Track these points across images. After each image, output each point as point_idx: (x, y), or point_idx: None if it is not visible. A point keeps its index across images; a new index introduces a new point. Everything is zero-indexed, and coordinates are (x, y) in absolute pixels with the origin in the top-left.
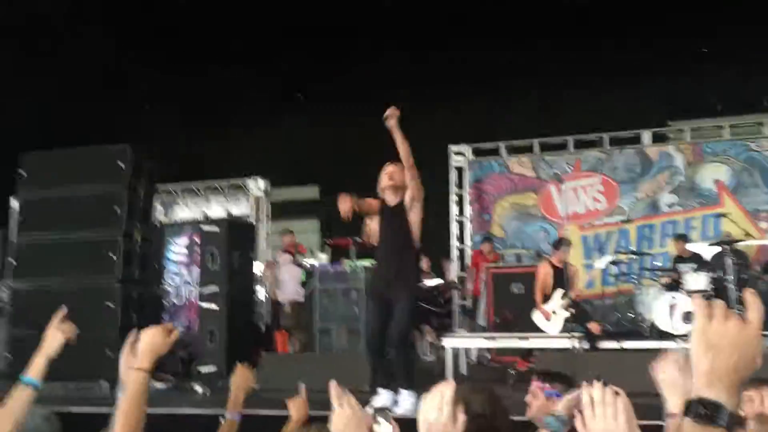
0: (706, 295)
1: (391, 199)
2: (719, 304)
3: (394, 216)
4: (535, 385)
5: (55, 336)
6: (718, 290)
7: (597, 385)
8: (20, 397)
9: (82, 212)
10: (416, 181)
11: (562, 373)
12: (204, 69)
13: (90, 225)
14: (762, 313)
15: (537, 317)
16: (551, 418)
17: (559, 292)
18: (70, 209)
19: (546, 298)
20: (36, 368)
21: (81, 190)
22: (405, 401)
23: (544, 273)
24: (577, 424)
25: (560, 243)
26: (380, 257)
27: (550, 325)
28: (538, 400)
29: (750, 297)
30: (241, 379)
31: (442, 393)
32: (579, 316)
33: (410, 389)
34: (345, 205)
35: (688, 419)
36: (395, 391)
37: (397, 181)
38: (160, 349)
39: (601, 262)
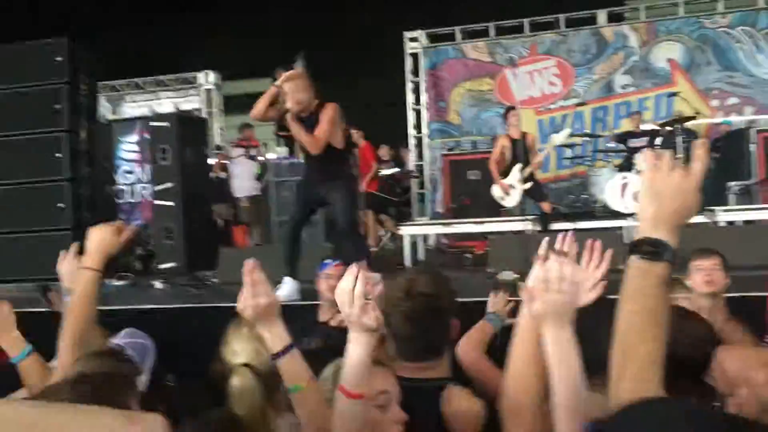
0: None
1: (302, 113)
2: (666, 155)
3: (309, 128)
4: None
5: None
6: None
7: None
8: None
9: (22, 111)
10: (326, 132)
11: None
12: None
13: (31, 124)
14: (704, 165)
15: (495, 191)
16: (493, 315)
17: (518, 166)
18: (7, 108)
19: (505, 172)
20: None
21: (18, 87)
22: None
23: (501, 145)
24: (525, 298)
25: (508, 110)
26: (306, 162)
27: (509, 199)
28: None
29: (699, 149)
30: (96, 236)
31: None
32: (535, 193)
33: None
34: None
35: (634, 257)
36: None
37: (299, 103)
38: (110, 248)
39: (559, 137)
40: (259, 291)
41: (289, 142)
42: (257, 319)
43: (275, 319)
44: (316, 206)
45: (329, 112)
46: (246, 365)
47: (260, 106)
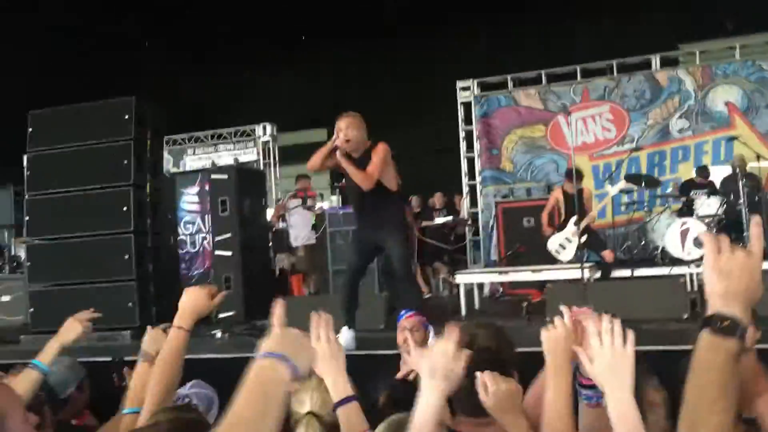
0: (715, 226)
1: (354, 153)
2: (724, 238)
3: (361, 168)
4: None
5: (74, 327)
6: (729, 214)
7: (605, 317)
8: (28, 379)
9: (92, 166)
10: (378, 169)
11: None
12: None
13: (100, 179)
14: (763, 243)
15: (551, 244)
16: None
17: (573, 219)
18: (79, 164)
19: (561, 226)
20: (48, 354)
21: (89, 144)
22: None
23: (555, 198)
24: (582, 358)
25: (572, 172)
26: (359, 210)
27: (564, 253)
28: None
29: (754, 228)
30: (190, 297)
31: (449, 337)
32: (592, 243)
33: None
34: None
35: (706, 332)
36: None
37: (352, 142)
38: (202, 310)
39: (613, 189)
40: (324, 339)
41: (345, 192)
42: (323, 366)
43: (339, 368)
44: (373, 254)
45: (381, 151)
46: (312, 413)
47: (317, 158)
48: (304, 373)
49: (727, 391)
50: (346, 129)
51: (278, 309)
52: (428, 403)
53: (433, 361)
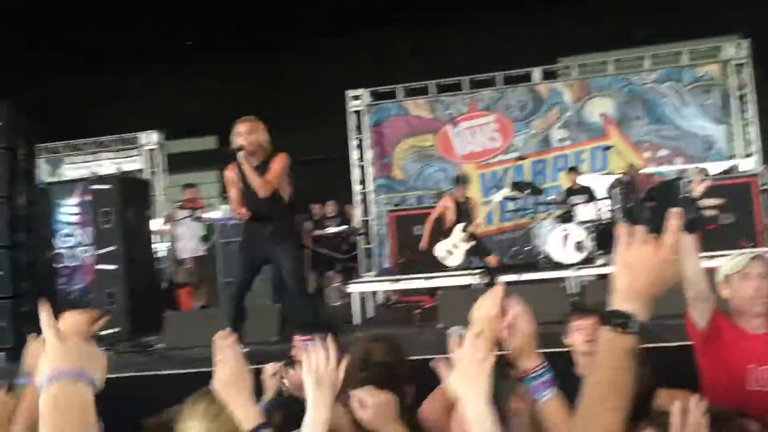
0: (594, 230)
1: (251, 161)
2: (639, 230)
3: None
4: (297, 339)
5: None
6: (607, 219)
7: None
8: None
9: None
10: (277, 177)
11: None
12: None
13: None
14: (677, 238)
15: (438, 250)
16: None
17: (460, 225)
18: None
19: (448, 232)
20: None
21: None
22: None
23: (443, 207)
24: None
25: (459, 179)
26: (253, 221)
27: (452, 258)
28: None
29: (672, 222)
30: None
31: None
32: (478, 250)
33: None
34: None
35: (605, 328)
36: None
37: (251, 144)
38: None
39: (497, 196)
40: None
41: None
42: (229, 393)
43: (247, 396)
44: (260, 267)
45: (281, 160)
46: None
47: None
48: (101, 386)
49: (621, 389)
50: (251, 133)
51: (45, 314)
52: (317, 413)
53: (315, 372)
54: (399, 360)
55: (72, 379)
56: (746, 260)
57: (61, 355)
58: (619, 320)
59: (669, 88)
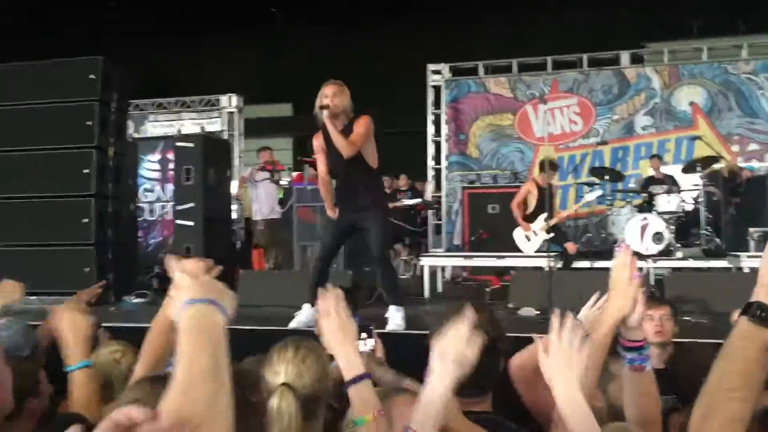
0: (675, 222)
1: (336, 124)
2: None
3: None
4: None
5: (13, 289)
6: (688, 212)
7: (567, 316)
8: None
9: (54, 126)
10: (361, 138)
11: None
12: None
13: (62, 139)
14: None
15: (517, 234)
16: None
17: (543, 215)
18: (40, 123)
19: (529, 217)
20: None
21: (49, 103)
22: (393, 317)
23: (526, 191)
24: (539, 351)
25: (548, 165)
26: (341, 187)
27: (529, 245)
28: None
29: None
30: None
31: (464, 323)
32: (558, 238)
33: (397, 305)
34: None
35: (744, 318)
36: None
37: (336, 107)
38: (85, 332)
39: (591, 195)
40: (335, 314)
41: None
42: (333, 342)
43: (351, 344)
44: (350, 235)
45: (364, 122)
46: (286, 385)
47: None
48: (232, 317)
49: (752, 381)
50: (335, 96)
51: (173, 261)
52: (435, 387)
53: (444, 344)
54: (503, 334)
55: (208, 304)
56: None
57: (196, 288)
58: (761, 312)
59: (765, 79)
